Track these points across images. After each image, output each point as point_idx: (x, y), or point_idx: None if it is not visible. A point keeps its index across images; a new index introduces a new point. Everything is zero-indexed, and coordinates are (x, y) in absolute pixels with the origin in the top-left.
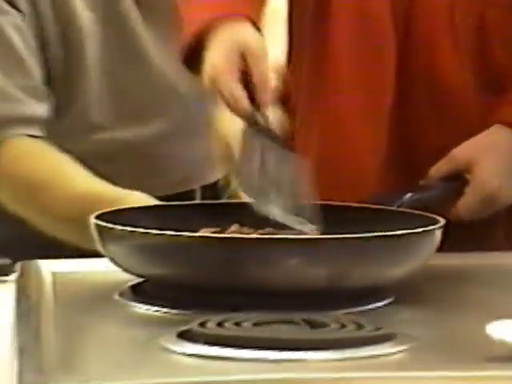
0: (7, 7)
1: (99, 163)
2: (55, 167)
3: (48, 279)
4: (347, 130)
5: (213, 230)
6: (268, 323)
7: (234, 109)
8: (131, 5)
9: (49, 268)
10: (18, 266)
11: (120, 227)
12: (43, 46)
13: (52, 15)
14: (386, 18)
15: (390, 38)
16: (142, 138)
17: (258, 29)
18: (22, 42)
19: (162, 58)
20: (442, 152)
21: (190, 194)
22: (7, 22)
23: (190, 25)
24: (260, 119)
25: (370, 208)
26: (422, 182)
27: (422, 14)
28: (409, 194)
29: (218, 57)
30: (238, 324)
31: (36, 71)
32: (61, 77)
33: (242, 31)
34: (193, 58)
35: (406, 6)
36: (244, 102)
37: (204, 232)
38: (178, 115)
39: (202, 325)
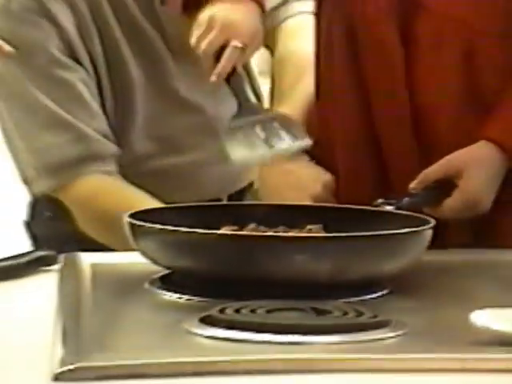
0: (75, 65)
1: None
2: (131, 202)
3: (87, 269)
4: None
5: (232, 228)
6: (279, 310)
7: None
8: (165, 51)
9: (88, 260)
10: (62, 257)
11: (150, 225)
12: (101, 95)
13: (106, 69)
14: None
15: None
16: (179, 165)
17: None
18: (90, 93)
19: (196, 97)
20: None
21: (216, 200)
22: (77, 77)
23: None
24: None
25: (369, 210)
26: (413, 184)
27: (414, 40)
28: (406, 198)
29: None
30: (253, 311)
31: (102, 116)
32: (113, 120)
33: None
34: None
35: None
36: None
37: (225, 230)
38: (211, 146)
39: (222, 311)
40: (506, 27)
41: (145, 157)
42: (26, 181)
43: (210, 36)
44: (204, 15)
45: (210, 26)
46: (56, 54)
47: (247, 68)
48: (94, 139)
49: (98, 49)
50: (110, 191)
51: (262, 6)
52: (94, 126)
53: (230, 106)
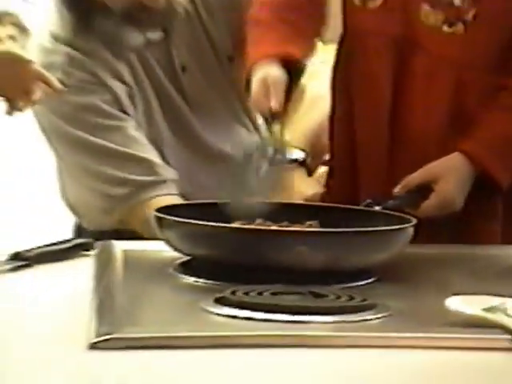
0: (125, 116)
1: None
2: None
3: (119, 255)
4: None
5: (242, 222)
6: (282, 293)
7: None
8: (185, 107)
9: (120, 247)
10: (98, 244)
11: (172, 218)
12: None
13: (145, 123)
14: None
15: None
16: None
17: (291, 65)
18: (141, 135)
19: (218, 144)
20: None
21: None
22: (130, 125)
23: (247, 61)
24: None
25: (359, 209)
26: (397, 189)
27: (407, 73)
28: (391, 200)
29: (255, 85)
30: (259, 293)
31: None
32: None
33: (267, 67)
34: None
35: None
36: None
37: (236, 224)
38: None
39: (233, 293)
40: (491, 63)
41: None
42: (77, 213)
43: (267, 103)
44: (258, 77)
45: (265, 89)
46: (108, 109)
47: None
48: (161, 166)
49: (138, 105)
50: None
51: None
52: (156, 156)
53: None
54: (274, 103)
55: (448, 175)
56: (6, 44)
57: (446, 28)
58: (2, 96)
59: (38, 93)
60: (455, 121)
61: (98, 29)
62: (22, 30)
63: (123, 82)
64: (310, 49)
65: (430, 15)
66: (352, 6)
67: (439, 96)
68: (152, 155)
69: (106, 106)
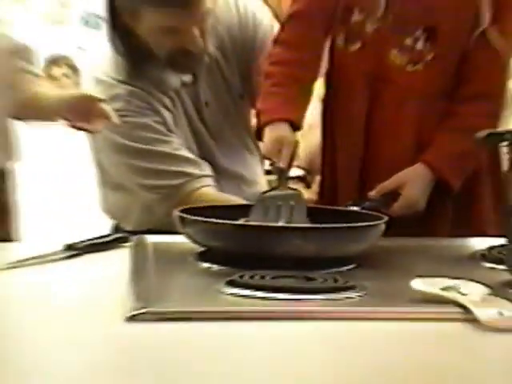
0: (170, 133)
1: None
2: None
3: (150, 246)
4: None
5: (246, 219)
6: (281, 277)
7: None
8: (207, 135)
9: (151, 239)
10: (133, 237)
11: (190, 217)
12: None
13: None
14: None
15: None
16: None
17: (296, 126)
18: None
19: (229, 163)
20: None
21: None
22: (175, 140)
23: (259, 117)
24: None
25: (342, 209)
26: (372, 193)
27: (380, 104)
28: (367, 203)
29: (267, 141)
30: (262, 277)
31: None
32: None
33: (281, 129)
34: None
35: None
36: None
37: (241, 221)
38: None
39: (241, 277)
40: (445, 93)
41: None
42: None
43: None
44: (272, 137)
45: (278, 149)
46: (158, 128)
47: None
48: (202, 163)
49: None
50: (220, 199)
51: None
52: (200, 158)
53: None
54: (283, 163)
55: (412, 181)
56: (61, 81)
57: (409, 67)
58: (70, 125)
59: (100, 125)
60: (419, 144)
61: (146, 73)
62: (75, 70)
63: (168, 110)
64: (310, 99)
65: (397, 57)
66: (337, 48)
67: (405, 124)
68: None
69: (157, 125)
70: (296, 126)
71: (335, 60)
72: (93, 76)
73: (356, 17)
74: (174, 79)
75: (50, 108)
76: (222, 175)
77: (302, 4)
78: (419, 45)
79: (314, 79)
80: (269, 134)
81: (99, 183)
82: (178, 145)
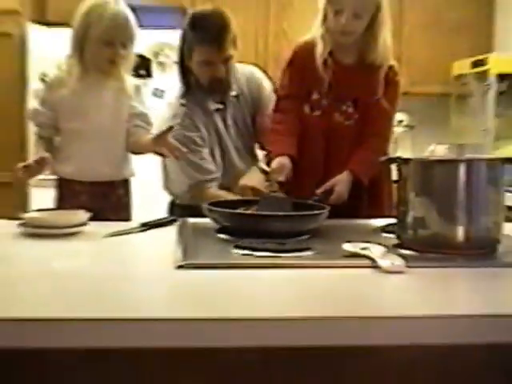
0: (204, 144)
1: None
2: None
3: (190, 224)
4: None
5: (244, 208)
6: (266, 243)
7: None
8: (230, 143)
9: (190, 221)
10: (180, 219)
11: (212, 208)
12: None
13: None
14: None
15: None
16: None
17: (292, 158)
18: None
19: (241, 165)
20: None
21: None
22: (205, 150)
23: (269, 153)
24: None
25: (303, 202)
26: (319, 191)
27: (332, 146)
28: (316, 197)
29: (276, 166)
30: (256, 243)
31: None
32: None
33: (283, 159)
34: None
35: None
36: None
37: (240, 210)
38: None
39: (243, 243)
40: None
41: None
42: (173, 194)
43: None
44: (278, 163)
45: (280, 170)
46: (198, 141)
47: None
48: (215, 171)
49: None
50: (217, 194)
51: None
52: (213, 164)
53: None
54: (283, 178)
55: (340, 183)
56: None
57: (346, 122)
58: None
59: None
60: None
61: (195, 99)
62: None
63: (204, 127)
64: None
65: (338, 117)
66: (304, 113)
67: (344, 150)
68: (212, 165)
69: (196, 139)
70: (293, 158)
71: (303, 120)
72: (168, 100)
73: (315, 96)
74: (211, 105)
75: (150, 147)
76: (237, 174)
77: (288, 91)
78: (350, 109)
79: (297, 132)
80: (275, 161)
81: (162, 169)
82: (206, 155)
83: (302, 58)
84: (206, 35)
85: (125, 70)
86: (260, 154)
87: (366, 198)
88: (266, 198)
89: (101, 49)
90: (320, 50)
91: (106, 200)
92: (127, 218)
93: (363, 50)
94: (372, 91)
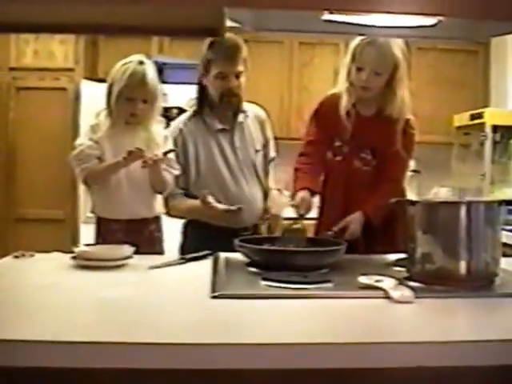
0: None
1: None
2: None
3: (223, 259)
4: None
5: (269, 245)
6: (290, 275)
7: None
8: (236, 162)
9: (223, 255)
10: (214, 254)
11: (242, 243)
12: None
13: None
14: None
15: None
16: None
17: (313, 192)
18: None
19: (241, 190)
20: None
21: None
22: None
23: (296, 188)
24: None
25: (320, 238)
26: (335, 228)
27: (352, 186)
28: (331, 233)
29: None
30: (281, 275)
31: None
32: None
33: (304, 193)
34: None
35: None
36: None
37: (266, 246)
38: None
39: (270, 275)
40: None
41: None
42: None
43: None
44: (301, 197)
45: (303, 203)
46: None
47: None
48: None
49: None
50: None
51: None
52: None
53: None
54: (304, 212)
55: (354, 221)
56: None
57: (364, 168)
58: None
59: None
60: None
61: (201, 118)
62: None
63: (206, 146)
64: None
65: (358, 164)
66: (327, 158)
67: (363, 194)
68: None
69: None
70: (314, 192)
71: (326, 164)
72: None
73: (337, 143)
74: (217, 124)
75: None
76: (243, 194)
77: (313, 137)
78: (368, 157)
79: (320, 173)
80: (299, 194)
81: None
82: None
83: (327, 108)
84: (221, 50)
85: (152, 120)
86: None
87: (379, 236)
88: (286, 234)
89: (122, 104)
90: (345, 101)
91: (141, 235)
92: (160, 251)
93: (382, 103)
94: (389, 142)
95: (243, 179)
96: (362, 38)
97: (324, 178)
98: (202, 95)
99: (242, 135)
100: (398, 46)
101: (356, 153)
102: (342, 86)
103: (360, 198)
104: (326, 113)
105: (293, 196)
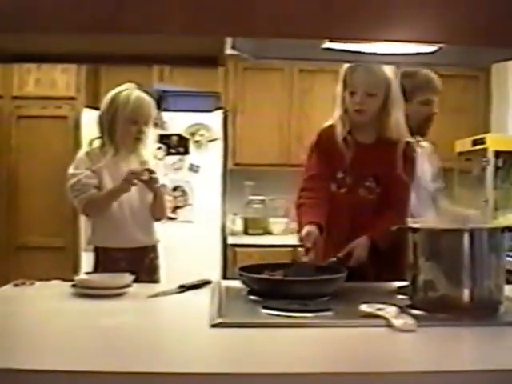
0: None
1: None
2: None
3: (223, 286)
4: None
5: (270, 274)
6: (291, 304)
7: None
8: None
9: (223, 283)
10: (213, 282)
11: (242, 272)
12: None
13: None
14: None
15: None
16: None
17: (320, 226)
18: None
19: None
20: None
21: None
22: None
23: (300, 223)
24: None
25: (324, 265)
26: (340, 254)
27: (357, 214)
28: (334, 259)
29: (306, 234)
30: (281, 304)
31: None
32: None
33: (310, 227)
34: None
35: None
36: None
37: (264, 275)
38: None
39: (270, 304)
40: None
41: None
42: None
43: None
44: (308, 231)
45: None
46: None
47: None
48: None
49: None
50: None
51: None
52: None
53: None
54: (309, 245)
55: (359, 246)
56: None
57: (369, 196)
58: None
59: None
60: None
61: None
62: None
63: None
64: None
65: (362, 192)
66: (331, 191)
67: (367, 220)
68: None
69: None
70: (320, 226)
71: (331, 197)
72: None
73: (339, 175)
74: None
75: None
76: None
77: (315, 171)
78: (372, 185)
79: (325, 206)
80: (305, 229)
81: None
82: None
83: (326, 139)
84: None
85: (145, 147)
86: None
87: (388, 263)
88: (294, 264)
89: (129, 127)
90: (339, 129)
91: (142, 264)
92: (157, 279)
93: (379, 128)
94: (391, 166)
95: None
96: (350, 63)
97: (329, 210)
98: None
99: None
100: (387, 66)
101: (360, 182)
102: (335, 114)
103: (366, 226)
104: (324, 144)
105: (299, 231)
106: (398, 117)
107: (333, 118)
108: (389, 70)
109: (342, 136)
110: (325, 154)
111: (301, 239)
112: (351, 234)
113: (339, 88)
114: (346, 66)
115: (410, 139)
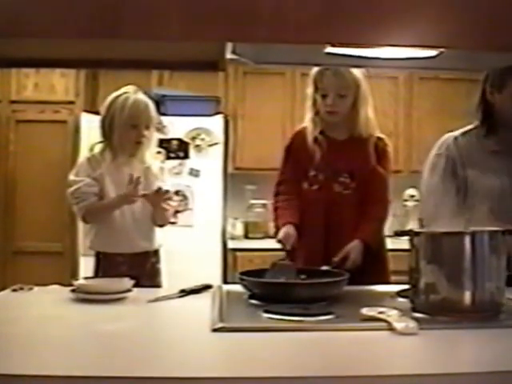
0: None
1: None
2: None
3: (224, 291)
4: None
5: (273, 277)
6: (292, 307)
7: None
8: None
9: (224, 287)
10: (215, 286)
11: (245, 277)
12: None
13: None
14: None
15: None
16: None
17: (296, 226)
18: None
19: None
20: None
21: None
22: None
23: (277, 226)
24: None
25: (320, 269)
26: (336, 258)
27: (332, 211)
28: (333, 264)
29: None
30: (282, 307)
31: None
32: None
33: (288, 228)
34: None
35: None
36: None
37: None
38: None
39: (271, 307)
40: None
41: None
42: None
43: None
44: (285, 232)
45: (286, 237)
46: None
47: None
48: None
49: None
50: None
51: None
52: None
53: None
54: (289, 247)
55: (354, 249)
56: None
57: (344, 192)
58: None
59: None
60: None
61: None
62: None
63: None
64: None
65: (338, 188)
66: (303, 189)
67: (347, 217)
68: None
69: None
70: (297, 226)
71: (303, 195)
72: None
73: (311, 173)
74: (493, 145)
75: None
76: None
77: (286, 176)
78: (347, 180)
79: (298, 207)
80: (282, 230)
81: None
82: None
83: (297, 141)
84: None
85: (148, 151)
86: None
87: (370, 264)
88: (275, 266)
89: (127, 132)
90: (310, 129)
91: (143, 269)
92: (159, 284)
93: (350, 126)
94: (365, 161)
95: None
96: (319, 67)
97: (302, 208)
98: (487, 113)
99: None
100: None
101: (334, 178)
102: (307, 116)
103: (342, 221)
104: (295, 146)
105: (276, 232)
106: (366, 113)
107: (305, 120)
108: (357, 71)
109: (313, 136)
110: (296, 155)
111: (279, 241)
112: (327, 229)
113: (310, 91)
114: (315, 69)
115: (381, 134)
